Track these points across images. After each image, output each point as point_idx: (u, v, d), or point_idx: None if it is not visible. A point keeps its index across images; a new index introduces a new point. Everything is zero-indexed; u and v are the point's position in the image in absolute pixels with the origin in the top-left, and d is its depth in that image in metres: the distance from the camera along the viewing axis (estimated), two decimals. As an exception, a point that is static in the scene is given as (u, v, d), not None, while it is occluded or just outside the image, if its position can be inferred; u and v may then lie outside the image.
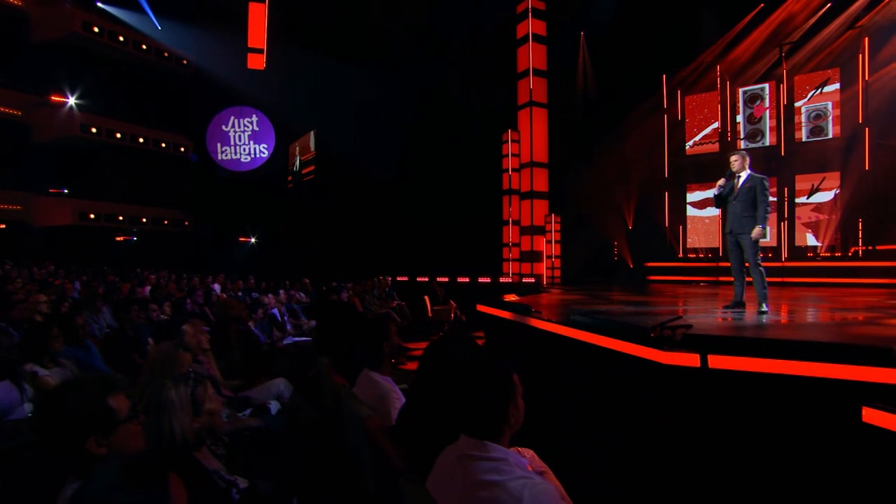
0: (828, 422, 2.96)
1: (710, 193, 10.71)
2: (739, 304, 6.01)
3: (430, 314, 11.12)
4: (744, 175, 5.96)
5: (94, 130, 16.93)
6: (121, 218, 18.21)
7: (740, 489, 3.08)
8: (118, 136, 17.74)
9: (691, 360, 3.21)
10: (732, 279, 6.12)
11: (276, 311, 6.96)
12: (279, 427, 3.14)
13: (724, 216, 6.55)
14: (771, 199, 13.91)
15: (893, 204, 12.27)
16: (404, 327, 10.45)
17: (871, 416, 2.76)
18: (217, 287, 12.16)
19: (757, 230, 5.70)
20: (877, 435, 2.72)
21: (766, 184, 5.83)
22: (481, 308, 7.19)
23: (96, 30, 16.56)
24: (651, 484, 3.30)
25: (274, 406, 3.54)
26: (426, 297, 11.27)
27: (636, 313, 5.82)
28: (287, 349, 5.72)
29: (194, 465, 1.65)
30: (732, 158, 6.07)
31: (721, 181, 6.14)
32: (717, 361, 3.14)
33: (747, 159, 6.04)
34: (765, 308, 5.54)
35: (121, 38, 17.29)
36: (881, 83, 12.32)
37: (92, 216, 17.26)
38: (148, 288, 9.01)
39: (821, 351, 2.96)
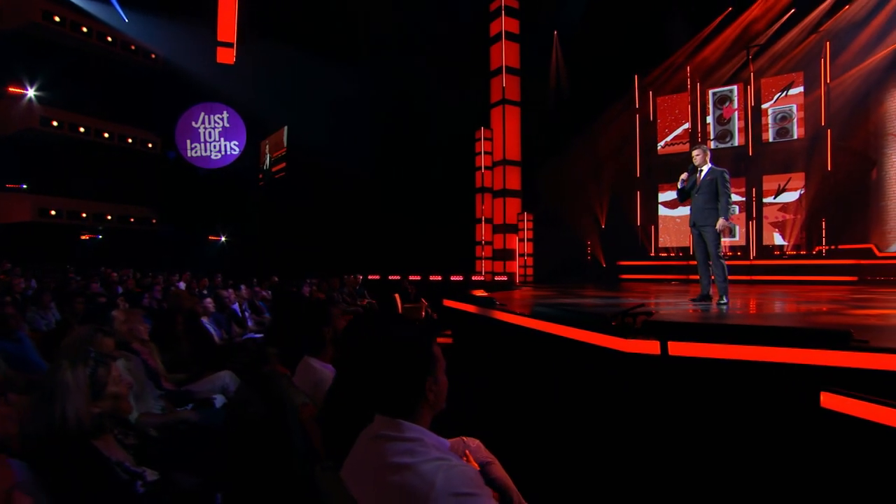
0: (787, 407, 2.91)
1: (679, 192, 10.93)
2: (706, 298, 6.01)
3: (399, 312, 10.94)
4: (705, 168, 6.01)
5: (55, 124, 16.30)
6: (84, 215, 17.57)
7: (701, 476, 3.01)
8: (81, 130, 17.12)
9: (651, 347, 3.13)
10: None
11: (236, 306, 6.73)
12: (220, 421, 2.96)
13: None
14: (740, 198, 14.48)
15: (854, 204, 12.62)
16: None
17: (829, 401, 2.71)
18: (182, 285, 11.87)
19: (721, 222, 5.72)
20: (835, 420, 2.68)
21: (727, 176, 5.87)
22: (448, 303, 7.08)
23: (57, 19, 15.95)
24: (614, 473, 3.21)
25: (219, 400, 3.36)
26: (396, 295, 11.09)
27: (604, 306, 5.77)
28: (246, 344, 5.51)
29: (89, 454, 1.47)
30: (694, 153, 6.11)
31: (684, 175, 6.16)
32: (677, 348, 3.08)
33: (708, 153, 6.09)
34: (724, 300, 5.55)
35: (84, 30, 16.68)
36: (841, 88, 12.66)
37: (53, 213, 16.61)
38: (98, 283, 8.66)
39: (779, 335, 2.91)
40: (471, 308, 6.00)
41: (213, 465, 2.25)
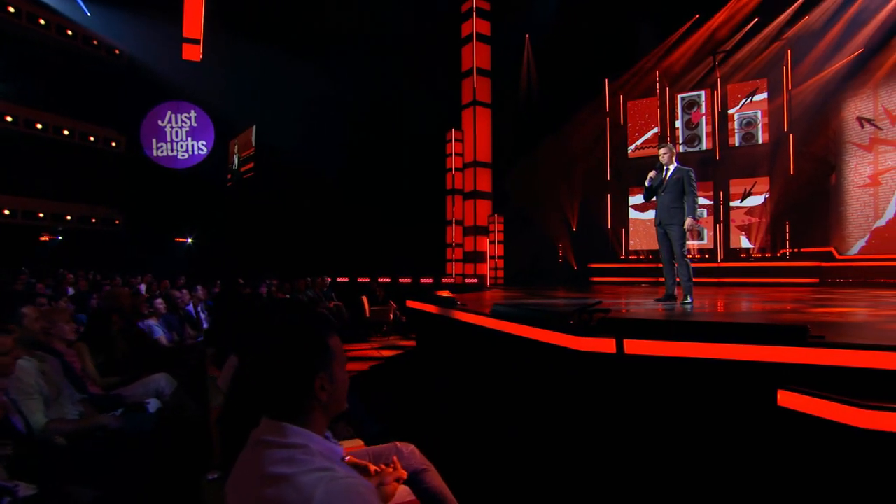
0: (744, 406, 2.83)
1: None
2: (671, 297, 5.99)
3: (367, 314, 10.73)
4: (672, 167, 5.98)
5: (8, 119, 15.58)
6: (41, 215, 16.82)
7: (658, 478, 2.91)
8: (38, 126, 16.42)
9: (607, 345, 3.03)
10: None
11: (191, 307, 6.44)
12: (148, 427, 2.73)
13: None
14: (707, 202, 14.67)
15: (815, 208, 12.93)
16: (338, 329, 10.03)
17: (786, 399, 2.64)
18: (143, 287, 11.49)
19: (689, 221, 5.70)
20: (792, 418, 2.60)
21: (693, 175, 5.85)
22: (411, 304, 6.91)
23: (12, 10, 15.26)
24: (569, 476, 3.09)
25: (153, 404, 3.12)
26: (364, 298, 10.88)
27: (566, 306, 5.67)
28: (197, 347, 5.24)
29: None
30: (661, 151, 6.08)
31: (652, 173, 6.13)
32: (633, 346, 2.97)
33: (675, 152, 6.08)
34: (689, 300, 5.53)
35: (42, 21, 16.01)
36: (802, 96, 12.99)
37: (6, 212, 15.84)
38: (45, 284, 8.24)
39: (736, 332, 2.84)
40: (432, 308, 5.84)
41: (128, 475, 2.04)
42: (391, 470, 1.81)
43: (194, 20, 14.46)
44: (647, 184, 6.17)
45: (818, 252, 12.66)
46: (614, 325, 3.09)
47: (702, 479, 2.78)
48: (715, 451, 2.84)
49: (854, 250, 12.51)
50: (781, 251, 13.34)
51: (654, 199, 6.16)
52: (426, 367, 6.09)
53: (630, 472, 2.93)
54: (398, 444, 2.17)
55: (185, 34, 14.33)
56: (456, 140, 14.67)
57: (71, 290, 8.64)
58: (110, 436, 2.47)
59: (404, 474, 1.81)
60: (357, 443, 2.51)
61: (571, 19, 13.87)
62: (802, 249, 12.94)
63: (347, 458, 2.07)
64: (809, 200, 12.94)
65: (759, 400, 2.74)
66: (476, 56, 14.27)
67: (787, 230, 13.28)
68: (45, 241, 17.86)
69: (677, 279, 5.89)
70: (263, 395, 1.20)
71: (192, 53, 14.48)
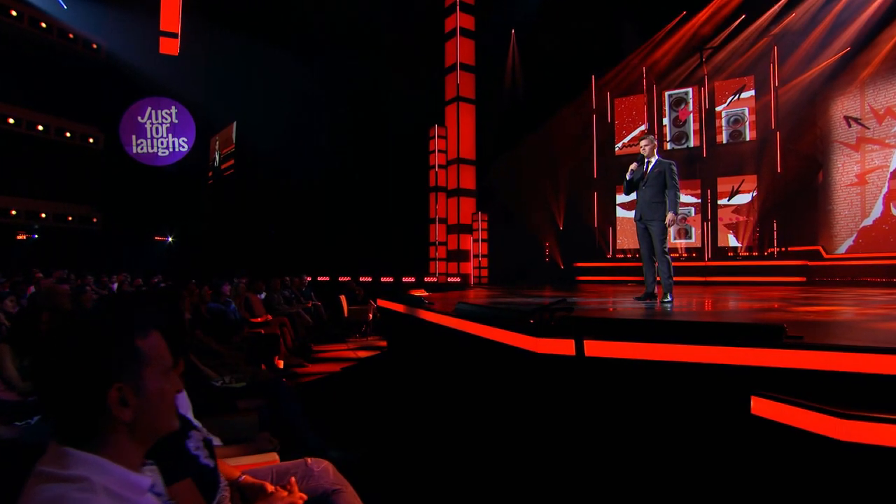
0: (716, 415, 2.57)
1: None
2: (651, 296, 5.75)
3: (346, 314, 10.42)
4: (653, 160, 5.73)
5: (-22, 114, 15.19)
6: (14, 212, 16.34)
7: (624, 492, 2.64)
8: (11, 121, 15.96)
9: (566, 347, 2.75)
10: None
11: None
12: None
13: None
14: (695, 200, 14.50)
15: (803, 207, 12.81)
16: (314, 328, 9.74)
17: (760, 406, 2.38)
18: (115, 286, 11.18)
19: (670, 216, 5.45)
20: (767, 428, 2.34)
21: (675, 168, 5.60)
22: (381, 303, 6.63)
23: (-19, 2, 14.87)
24: (528, 491, 2.81)
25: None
26: (342, 297, 10.58)
27: (537, 304, 5.40)
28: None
29: None
30: (643, 143, 5.81)
31: (633, 165, 5.87)
32: (593, 348, 2.70)
33: (656, 144, 5.83)
34: (669, 298, 5.30)
35: (13, 13, 15.56)
36: (790, 94, 12.87)
37: (-24, 210, 15.45)
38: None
39: (706, 332, 2.57)
40: (400, 308, 5.56)
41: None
42: (284, 494, 1.54)
43: (171, 13, 14.09)
44: (627, 177, 5.92)
45: (806, 251, 12.56)
46: (574, 324, 2.81)
47: (670, 496, 2.52)
48: (684, 464, 2.57)
49: (842, 249, 12.39)
50: (769, 250, 13.20)
51: (635, 193, 5.93)
52: (394, 370, 5.81)
53: (592, 488, 2.66)
54: (309, 460, 1.89)
55: (163, 27, 13.96)
56: (439, 137, 14.38)
57: (32, 289, 8.27)
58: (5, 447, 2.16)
59: (300, 499, 1.54)
60: (271, 457, 2.24)
61: (557, 15, 13.67)
62: (790, 248, 12.82)
63: (243, 477, 1.79)
64: (797, 199, 12.84)
65: (732, 408, 2.48)
66: (460, 51, 14.00)
67: (775, 229, 13.16)
68: (21, 240, 17.38)
69: (658, 277, 5.65)
70: (50, 413, 0.91)
71: (170, 47, 14.10)
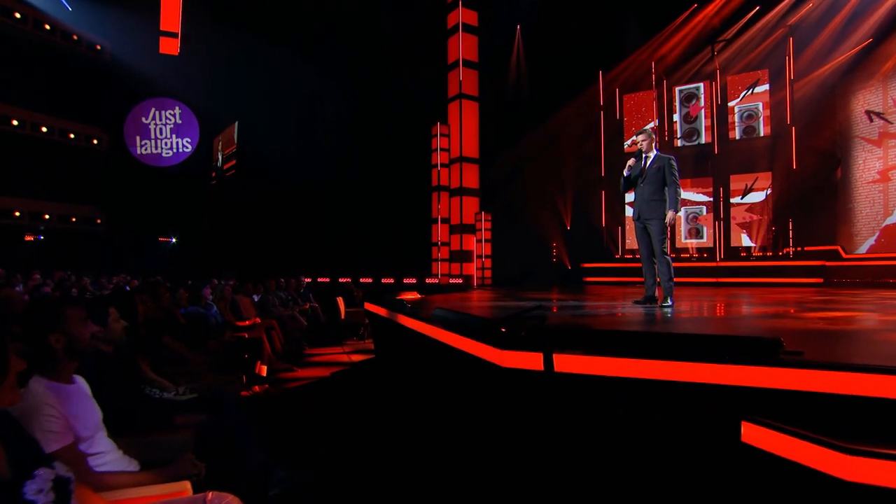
0: (702, 441, 2.23)
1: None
2: (651, 299, 5.39)
3: (342, 317, 10.17)
4: (651, 155, 5.37)
5: (-19, 116, 15.21)
6: (17, 214, 16.37)
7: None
8: (14, 123, 15.99)
9: (533, 361, 2.43)
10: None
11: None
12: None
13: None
14: (707, 199, 14.02)
15: (820, 205, 12.33)
16: (310, 331, 9.50)
17: (751, 433, 2.04)
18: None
19: (670, 214, 5.10)
20: (759, 459, 2.00)
21: (675, 164, 5.24)
22: (368, 306, 6.34)
23: (-16, 4, 14.88)
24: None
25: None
26: (339, 299, 10.32)
27: (531, 309, 5.07)
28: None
29: None
30: (640, 137, 5.45)
31: (631, 162, 5.52)
32: (564, 363, 2.38)
33: (654, 138, 5.48)
34: (669, 302, 4.95)
35: (17, 15, 15.58)
36: (807, 88, 12.40)
37: (-20, 211, 15.45)
38: None
39: (691, 346, 2.23)
40: (382, 311, 5.27)
41: None
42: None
43: (172, 13, 14.00)
44: (625, 173, 5.56)
45: (823, 251, 12.06)
46: (543, 336, 2.48)
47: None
48: (665, 497, 2.24)
49: (862, 249, 11.88)
50: (784, 250, 12.72)
51: (633, 190, 5.57)
52: (376, 378, 5.52)
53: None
54: (210, 495, 1.63)
55: (163, 27, 13.88)
56: (442, 135, 14.06)
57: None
58: None
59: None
60: (182, 487, 1.96)
61: (562, 9, 13.31)
62: (806, 248, 12.33)
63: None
64: (814, 197, 12.36)
65: (720, 434, 2.14)
66: (462, 47, 13.68)
67: (791, 228, 12.70)
68: (28, 242, 17.43)
69: (658, 279, 5.29)
70: None
71: (170, 47, 14.02)
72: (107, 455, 2.12)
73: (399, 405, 4.26)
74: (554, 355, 2.36)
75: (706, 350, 2.17)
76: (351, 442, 3.55)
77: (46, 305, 2.03)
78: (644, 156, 5.42)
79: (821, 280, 11.55)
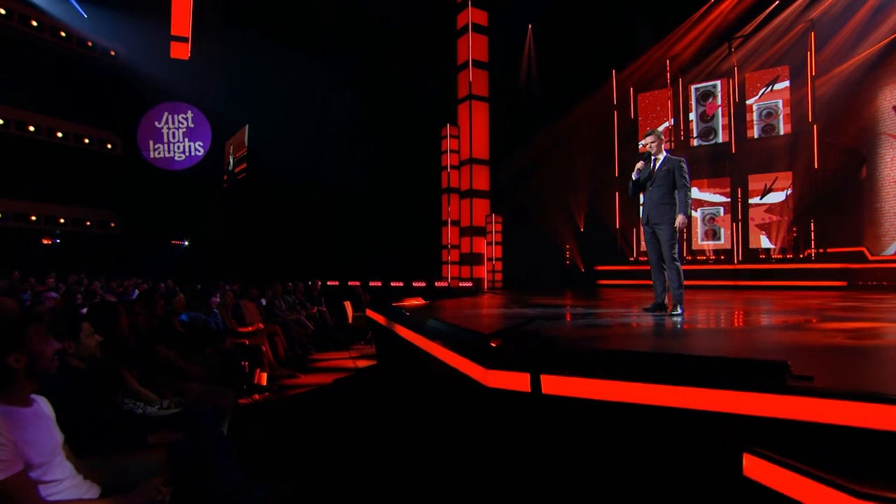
0: (702, 473, 2.04)
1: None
2: (660, 307, 5.20)
3: (350, 321, 10.06)
4: (661, 157, 5.16)
5: (-1, 122, 15.48)
6: (33, 218, 16.63)
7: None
8: (31, 129, 16.25)
9: (520, 381, 2.26)
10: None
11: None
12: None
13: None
14: (724, 199, 13.64)
15: (844, 205, 11.91)
16: (317, 335, 9.43)
17: (753, 467, 1.84)
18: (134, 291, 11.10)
19: (680, 218, 4.89)
20: (762, 495, 1.81)
21: (685, 166, 5.02)
22: (369, 312, 6.21)
23: (3, 12, 15.07)
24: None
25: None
26: (347, 303, 10.22)
27: (535, 317, 4.88)
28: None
29: None
30: (648, 139, 5.24)
31: (639, 164, 5.32)
32: (552, 385, 2.20)
33: (663, 139, 5.27)
34: (679, 310, 4.74)
35: (34, 24, 15.84)
36: (830, 84, 12.01)
37: (-1, 215, 15.72)
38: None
39: (688, 368, 2.04)
40: (381, 319, 5.13)
41: None
42: None
43: (182, 18, 14.10)
44: (633, 177, 5.35)
45: (847, 252, 11.64)
46: (530, 354, 2.31)
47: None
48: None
49: (890, 250, 11.45)
50: (806, 251, 12.30)
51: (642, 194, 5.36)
52: (376, 387, 5.38)
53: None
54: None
55: (173, 32, 13.98)
56: (451, 136, 13.89)
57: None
58: None
59: None
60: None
61: (574, 7, 13.06)
62: (829, 250, 11.92)
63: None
64: (837, 196, 11.95)
65: (721, 465, 1.94)
66: (472, 48, 13.50)
67: (812, 229, 12.30)
68: (46, 245, 17.70)
69: (667, 283, 5.08)
70: None
71: (181, 52, 14.12)
72: (63, 482, 2.00)
73: (393, 417, 4.11)
74: (541, 376, 2.19)
75: (705, 373, 1.98)
76: (338, 454, 3.42)
77: (6, 323, 1.92)
78: (653, 158, 5.22)
79: (845, 283, 11.12)
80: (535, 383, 2.20)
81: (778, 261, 12.57)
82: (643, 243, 14.35)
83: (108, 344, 3.30)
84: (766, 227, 13.08)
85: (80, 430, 2.33)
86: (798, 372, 1.97)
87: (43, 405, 2.08)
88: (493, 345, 2.63)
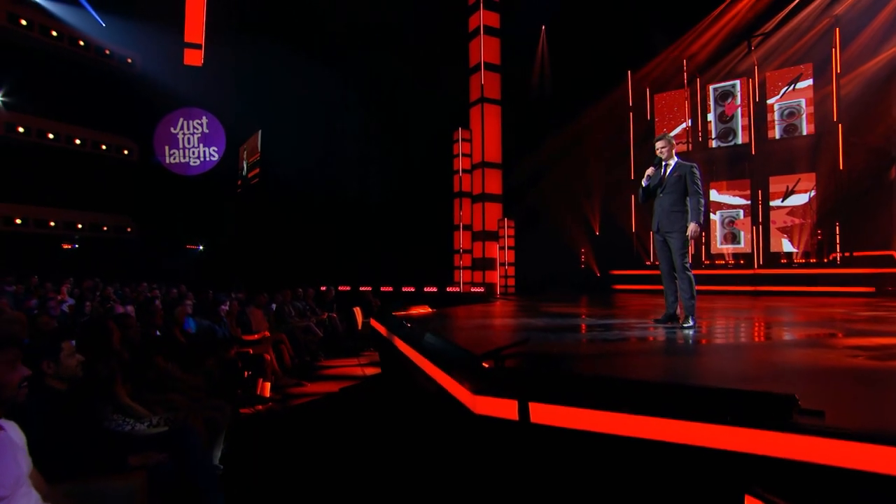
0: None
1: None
2: (672, 318, 5.01)
3: (359, 327, 9.99)
4: (672, 163, 4.95)
5: (20, 130, 15.76)
6: (53, 223, 16.96)
7: None
8: (51, 136, 16.60)
9: (507, 408, 2.12)
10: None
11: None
12: None
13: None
14: (744, 202, 13.28)
15: (872, 207, 11.46)
16: (327, 342, 9.37)
17: (758, 509, 1.68)
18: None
19: (692, 226, 4.69)
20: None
21: (697, 171, 4.81)
22: (373, 322, 6.10)
23: (24, 23, 15.44)
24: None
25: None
26: (357, 309, 10.15)
27: (544, 328, 4.72)
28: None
29: None
30: (659, 144, 5.04)
31: (650, 170, 5.12)
32: (541, 413, 2.06)
33: (674, 144, 5.07)
34: (691, 322, 4.55)
35: (54, 33, 16.17)
36: (856, 82, 11.60)
37: (18, 221, 16.01)
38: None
39: (690, 401, 1.88)
40: (382, 330, 5.02)
41: None
42: None
43: (195, 25, 14.21)
44: (644, 183, 5.15)
45: (875, 256, 11.17)
46: (518, 380, 2.17)
47: None
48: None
49: (921, 254, 10.93)
50: (831, 256, 11.86)
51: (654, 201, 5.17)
52: (378, 399, 5.27)
53: None
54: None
55: (187, 39, 14.09)
56: (463, 140, 13.75)
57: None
58: None
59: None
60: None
61: (587, 6, 12.84)
62: (855, 254, 11.47)
63: None
64: (864, 198, 11.51)
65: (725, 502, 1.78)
66: (484, 50, 13.36)
67: (837, 232, 11.86)
68: (66, 250, 18.03)
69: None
70: None
71: (194, 58, 14.22)
72: (27, 515, 1.92)
73: (389, 435, 3.99)
74: (530, 404, 2.05)
75: (703, 406, 1.82)
76: (331, 472, 3.31)
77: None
78: (664, 164, 5.02)
79: (873, 289, 10.66)
80: (524, 411, 2.06)
81: (801, 265, 12.16)
82: (658, 248, 14.13)
83: (99, 360, 3.25)
84: (788, 231, 12.69)
85: (56, 455, 2.27)
86: (808, 405, 1.79)
87: (12, 432, 2.00)
88: (486, 366, 2.49)
